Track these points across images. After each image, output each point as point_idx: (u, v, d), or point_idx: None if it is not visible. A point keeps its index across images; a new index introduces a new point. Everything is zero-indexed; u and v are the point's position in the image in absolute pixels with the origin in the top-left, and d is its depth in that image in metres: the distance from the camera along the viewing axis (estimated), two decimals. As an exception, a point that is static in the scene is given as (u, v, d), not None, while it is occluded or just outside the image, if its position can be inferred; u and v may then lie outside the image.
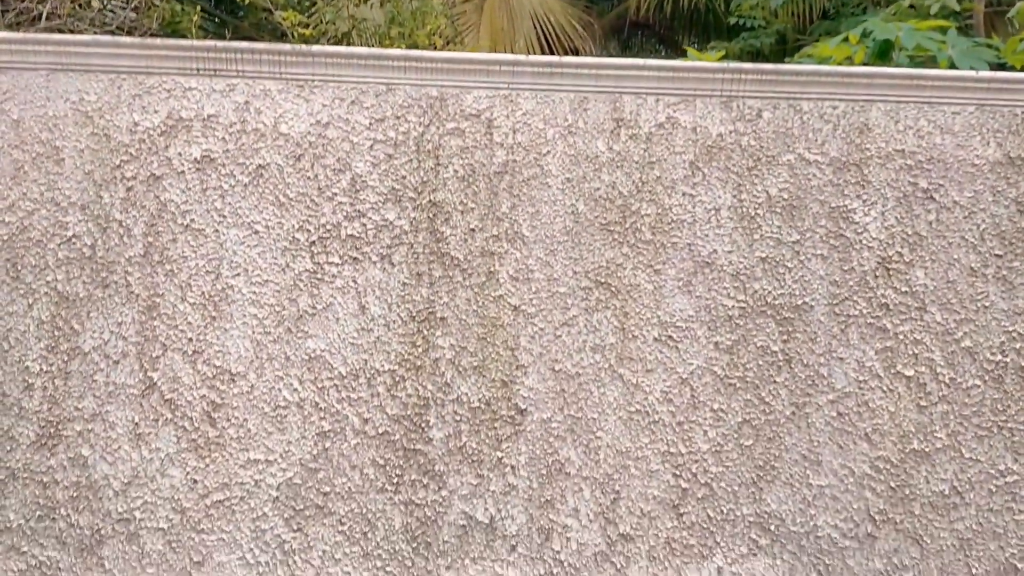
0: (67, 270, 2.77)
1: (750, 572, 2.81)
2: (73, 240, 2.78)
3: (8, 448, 2.73)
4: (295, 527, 2.76)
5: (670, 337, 2.87)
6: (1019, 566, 2.84)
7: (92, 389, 2.76)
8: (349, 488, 2.78)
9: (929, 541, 2.84)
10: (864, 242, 2.89)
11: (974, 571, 2.84)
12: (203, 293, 2.79)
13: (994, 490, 2.85)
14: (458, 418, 2.82)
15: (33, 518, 2.71)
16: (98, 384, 2.76)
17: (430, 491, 2.80)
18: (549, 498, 2.81)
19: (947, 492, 2.84)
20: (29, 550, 2.70)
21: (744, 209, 2.89)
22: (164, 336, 2.78)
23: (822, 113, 2.89)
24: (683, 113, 2.88)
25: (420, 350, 2.83)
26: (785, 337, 2.87)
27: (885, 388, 2.86)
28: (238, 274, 2.80)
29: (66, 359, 2.76)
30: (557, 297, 2.86)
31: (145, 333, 2.78)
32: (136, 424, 2.76)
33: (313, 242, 2.82)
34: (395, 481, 2.80)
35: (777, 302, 2.88)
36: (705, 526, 2.82)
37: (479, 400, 2.83)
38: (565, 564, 2.80)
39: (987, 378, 2.88)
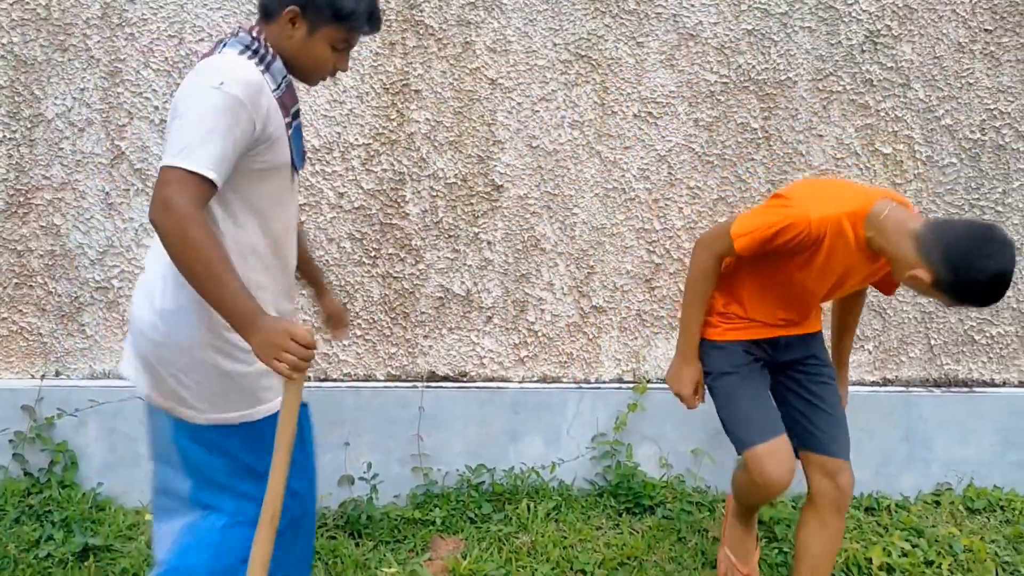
0: (23, 31, 2.64)
1: (718, 342, 2.90)
2: (25, -1, 2.63)
3: (-22, 217, 2.70)
4: (274, 297, 2.79)
5: (650, 113, 2.82)
6: (976, 338, 2.96)
7: (59, 157, 2.69)
8: (327, 260, 2.79)
9: (892, 314, 2.93)
10: (853, 14, 2.80)
11: (933, 342, 2.95)
12: (166, 59, 2.68)
13: (959, 266, 2.91)
14: (434, 193, 2.81)
15: (10, 286, 2.72)
16: (65, 152, 2.69)
17: (407, 264, 2.82)
18: (525, 272, 2.85)
19: (913, 268, 2.90)
20: (9, 316, 2.73)
21: (732, -23, 2.77)
22: (129, 104, 2.69)
23: None
24: None
25: (395, 123, 2.77)
26: (766, 114, 2.83)
27: (862, 165, 2.86)
28: (202, 39, 2.68)
29: (29, 126, 2.67)
30: (536, 70, 2.78)
31: (109, 100, 2.68)
32: (107, 194, 2.72)
33: (280, 6, 2.68)
34: (372, 255, 2.81)
35: (760, 77, 2.82)
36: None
37: (455, 176, 2.80)
38: (539, 334, 2.88)
39: (964, 156, 2.88)
